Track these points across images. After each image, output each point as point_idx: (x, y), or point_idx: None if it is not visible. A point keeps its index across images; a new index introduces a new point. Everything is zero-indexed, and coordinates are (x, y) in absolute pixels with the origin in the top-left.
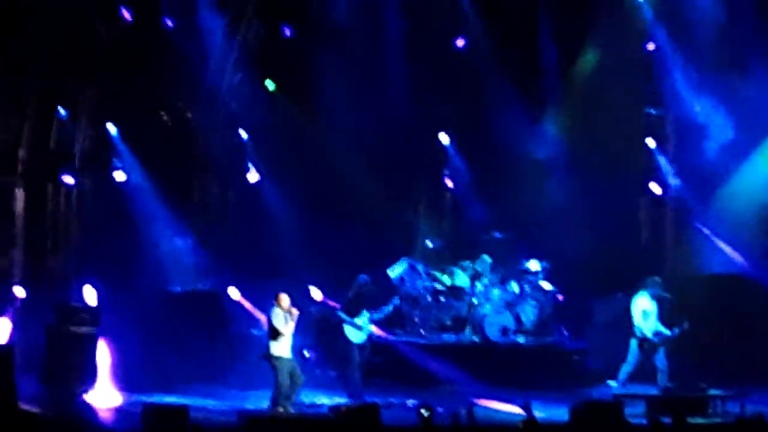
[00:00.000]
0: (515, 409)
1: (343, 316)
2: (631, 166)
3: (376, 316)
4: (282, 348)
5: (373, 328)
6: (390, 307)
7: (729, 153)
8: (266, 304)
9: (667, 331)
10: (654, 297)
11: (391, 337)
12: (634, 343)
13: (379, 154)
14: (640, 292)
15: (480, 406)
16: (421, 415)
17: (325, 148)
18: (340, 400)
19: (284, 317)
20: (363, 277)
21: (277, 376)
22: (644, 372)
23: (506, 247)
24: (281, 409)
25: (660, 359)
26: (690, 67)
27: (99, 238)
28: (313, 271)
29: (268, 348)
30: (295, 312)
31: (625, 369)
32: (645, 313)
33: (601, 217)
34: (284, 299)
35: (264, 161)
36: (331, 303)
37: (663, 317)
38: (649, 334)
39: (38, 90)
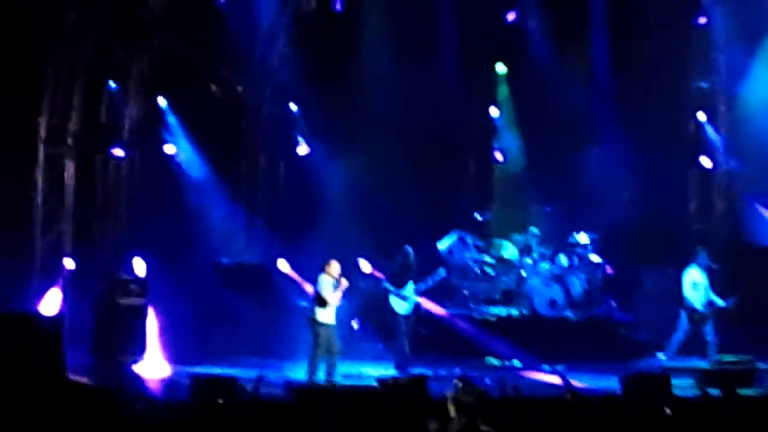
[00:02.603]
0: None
1: (389, 287)
2: (681, 140)
3: (422, 286)
4: (327, 315)
5: (419, 299)
6: (436, 278)
7: None
8: (314, 276)
9: (720, 302)
10: (703, 268)
11: (440, 309)
12: (683, 315)
13: (428, 126)
14: (691, 265)
15: (527, 378)
16: (456, 386)
17: (374, 121)
18: (387, 371)
19: (332, 285)
20: (407, 248)
21: (315, 342)
22: (693, 345)
23: (555, 219)
24: (308, 373)
25: (709, 332)
26: (741, 40)
27: (148, 211)
28: (362, 244)
29: (312, 313)
30: (345, 283)
31: (675, 340)
32: (694, 284)
33: (650, 190)
34: (334, 266)
35: (313, 134)
36: (379, 275)
37: (714, 288)
38: (698, 306)
39: (89, 63)
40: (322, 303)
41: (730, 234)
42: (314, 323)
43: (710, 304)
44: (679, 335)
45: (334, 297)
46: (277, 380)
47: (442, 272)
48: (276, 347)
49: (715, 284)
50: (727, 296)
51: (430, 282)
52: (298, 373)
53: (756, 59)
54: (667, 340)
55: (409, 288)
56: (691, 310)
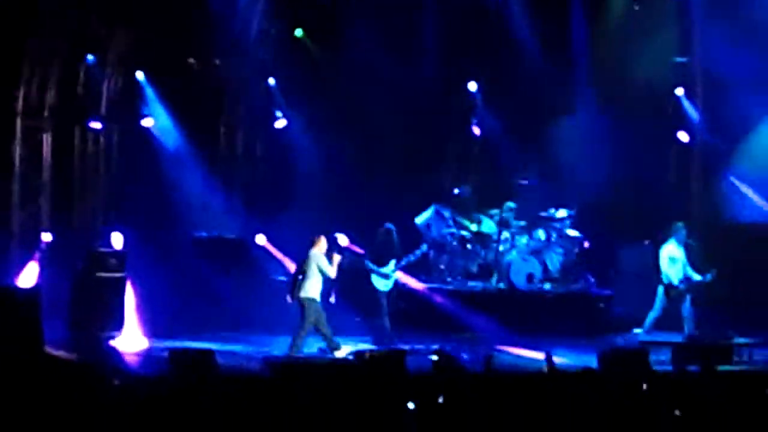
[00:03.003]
0: (539, 356)
1: (370, 265)
2: (660, 115)
3: (405, 261)
4: (315, 290)
5: (400, 275)
6: (417, 254)
7: (759, 102)
8: (291, 250)
9: (697, 276)
10: (681, 243)
11: (417, 283)
12: (660, 290)
13: (406, 101)
14: (669, 240)
15: (504, 353)
16: (433, 360)
17: (352, 97)
18: (364, 345)
19: (326, 259)
20: (388, 226)
21: (307, 318)
22: (671, 320)
23: (533, 194)
24: (295, 350)
25: (686, 307)
26: (720, 15)
27: (126, 184)
28: (340, 218)
29: (301, 289)
30: (337, 257)
31: (651, 316)
32: (672, 260)
33: (628, 165)
34: (323, 242)
35: (291, 109)
36: (357, 250)
37: (692, 264)
38: (675, 281)
39: (67, 36)
40: (318, 277)
41: (707, 209)
42: (306, 300)
43: (687, 279)
44: (655, 310)
45: (331, 269)
46: (255, 354)
47: (424, 248)
48: (254, 321)
49: (693, 260)
50: (704, 271)
51: (411, 258)
52: (276, 347)
53: (735, 34)
54: (645, 315)
55: (391, 265)
56: (668, 286)
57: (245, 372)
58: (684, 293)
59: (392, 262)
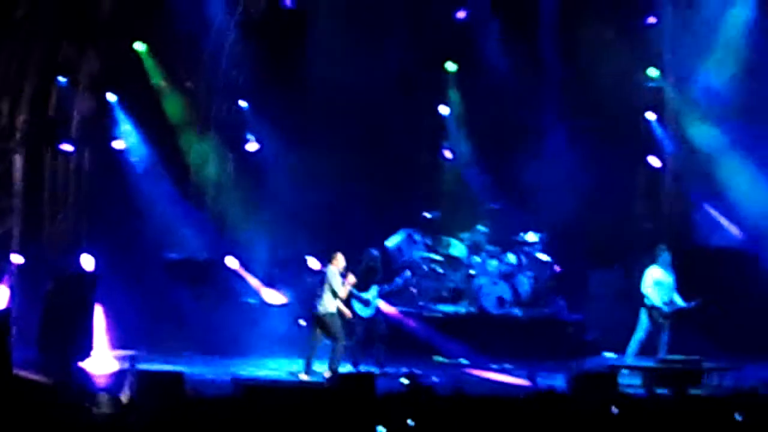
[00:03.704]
0: (511, 380)
1: (352, 290)
2: (630, 139)
3: (386, 289)
4: (334, 305)
5: (381, 303)
6: (400, 282)
7: (730, 127)
8: (262, 272)
9: (681, 302)
10: (666, 267)
11: (389, 307)
12: (643, 314)
13: (378, 124)
14: (654, 263)
15: (474, 376)
16: (402, 384)
17: (324, 119)
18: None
19: (341, 277)
20: (373, 252)
21: (333, 330)
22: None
23: (504, 218)
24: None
25: (665, 332)
26: (690, 40)
27: (97, 206)
28: (311, 241)
29: (320, 305)
30: (352, 279)
31: (635, 340)
32: (657, 283)
33: (599, 189)
34: (340, 259)
35: (263, 131)
36: None
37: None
38: (658, 303)
39: (38, 57)
40: (332, 294)
41: (678, 234)
42: (326, 315)
43: (671, 303)
44: (639, 335)
45: (343, 290)
46: (225, 376)
47: (407, 274)
48: (224, 343)
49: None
50: (689, 299)
51: (395, 284)
52: (246, 369)
53: (705, 58)
54: (614, 339)
55: (373, 291)
56: (651, 308)
57: (214, 394)
58: (667, 317)
59: (374, 288)
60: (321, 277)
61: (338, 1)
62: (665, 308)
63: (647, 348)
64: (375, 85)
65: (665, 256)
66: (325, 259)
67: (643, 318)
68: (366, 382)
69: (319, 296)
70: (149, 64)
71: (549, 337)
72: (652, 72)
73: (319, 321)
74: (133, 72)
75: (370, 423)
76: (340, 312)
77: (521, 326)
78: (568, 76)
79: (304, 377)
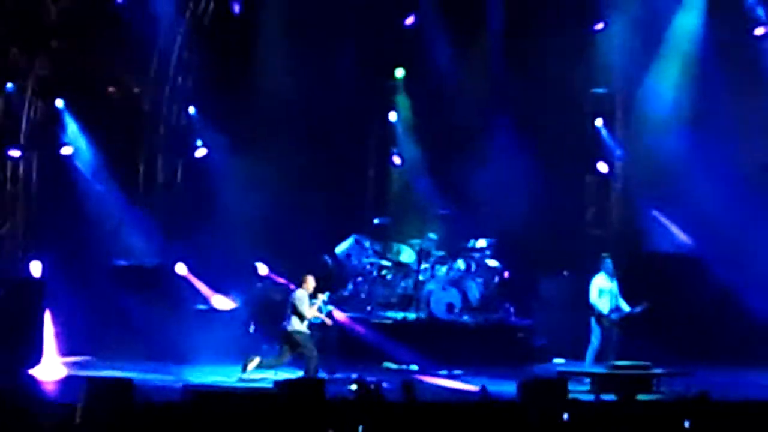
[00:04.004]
0: (460, 386)
1: None
2: (579, 145)
3: (336, 296)
4: (303, 325)
5: (331, 308)
6: (350, 288)
7: (677, 133)
8: (212, 279)
9: (626, 308)
10: (609, 275)
11: (338, 313)
12: (593, 322)
13: (328, 131)
14: (599, 272)
15: (423, 382)
16: (351, 390)
17: (273, 125)
18: (285, 374)
19: (308, 300)
20: (326, 258)
21: (304, 348)
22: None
23: (453, 224)
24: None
25: (613, 338)
26: (638, 46)
27: (45, 212)
28: (260, 247)
29: (290, 324)
30: (321, 296)
31: (591, 349)
32: (601, 291)
33: (548, 195)
34: (310, 282)
35: (212, 137)
36: (278, 279)
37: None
38: (605, 311)
39: None
40: (299, 316)
41: (626, 240)
42: (294, 333)
43: (618, 309)
44: (594, 344)
45: (310, 312)
46: (175, 383)
47: (359, 281)
48: (173, 350)
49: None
50: (635, 304)
51: (344, 292)
52: (195, 375)
53: (653, 65)
54: (564, 345)
55: (324, 297)
56: (599, 316)
57: (164, 400)
58: (615, 324)
59: (326, 294)
60: (289, 298)
61: (286, 8)
62: (612, 316)
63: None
64: (324, 91)
65: (607, 263)
66: (276, 266)
67: (595, 327)
68: (316, 388)
69: (288, 316)
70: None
71: (498, 343)
72: (601, 78)
73: (287, 338)
74: (82, 78)
75: (319, 429)
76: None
77: (470, 332)
78: (516, 83)
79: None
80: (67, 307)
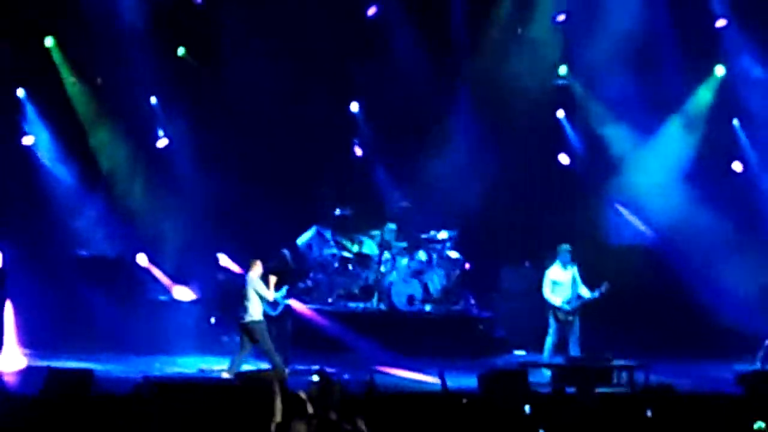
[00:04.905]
0: (421, 377)
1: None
2: (541, 137)
3: (296, 289)
4: (258, 312)
5: (291, 301)
6: (311, 279)
7: (639, 125)
8: (173, 269)
9: (588, 294)
10: (565, 265)
11: (299, 304)
12: (550, 315)
13: (289, 120)
14: (553, 263)
15: (385, 374)
16: (313, 381)
17: (234, 116)
18: (245, 365)
19: (263, 283)
20: (285, 252)
21: (261, 338)
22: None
23: (414, 215)
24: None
25: (573, 329)
26: (599, 38)
27: (6, 202)
28: (221, 237)
29: (248, 315)
30: (273, 280)
31: (548, 342)
32: (555, 283)
33: (509, 186)
34: (258, 266)
35: (174, 127)
36: (237, 269)
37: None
38: (558, 304)
39: None
40: (260, 299)
41: (587, 232)
42: (253, 323)
43: (574, 300)
44: (551, 338)
45: (269, 293)
46: (135, 373)
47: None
48: (134, 341)
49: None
50: (594, 288)
51: (303, 284)
52: (156, 366)
53: (615, 56)
54: (525, 336)
55: (282, 291)
56: (554, 309)
57: (124, 391)
58: (571, 315)
59: (284, 289)
60: (242, 285)
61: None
62: (566, 307)
63: (561, 347)
64: (285, 81)
65: (564, 253)
66: (237, 257)
67: (551, 320)
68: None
69: (244, 306)
70: (58, 59)
71: (459, 335)
72: (562, 70)
73: (245, 329)
74: (43, 68)
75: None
76: (262, 320)
77: (432, 323)
78: (478, 74)
79: (226, 375)
80: (28, 297)
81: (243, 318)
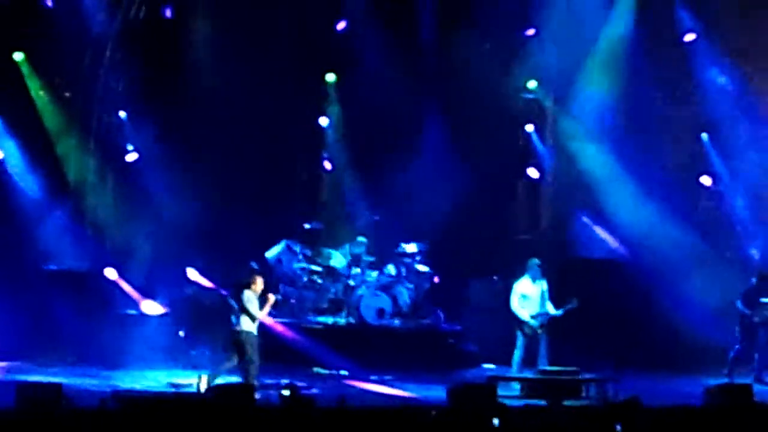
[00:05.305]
0: (391, 391)
1: (231, 302)
2: (509, 151)
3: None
4: (253, 326)
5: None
6: (280, 293)
7: (606, 140)
8: (142, 284)
9: (554, 311)
10: (535, 279)
11: (268, 318)
12: (517, 328)
13: (258, 135)
14: (522, 276)
15: (356, 388)
16: (282, 396)
17: (204, 129)
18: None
19: (257, 301)
20: (253, 265)
21: (247, 352)
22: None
23: (383, 229)
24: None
25: (542, 343)
26: (570, 52)
27: None
28: (190, 251)
29: (239, 325)
30: (272, 298)
31: (516, 355)
32: (523, 297)
33: (478, 200)
34: (259, 283)
35: (143, 141)
36: (207, 284)
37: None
38: (525, 318)
39: None
40: (250, 317)
41: (556, 245)
42: (241, 333)
43: (541, 315)
44: (518, 352)
45: (261, 313)
46: (104, 388)
47: (288, 289)
48: (103, 355)
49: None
50: (562, 305)
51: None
52: (125, 380)
53: (583, 71)
54: (494, 351)
55: (272, 300)
56: (521, 324)
57: (93, 406)
58: (538, 329)
59: (276, 296)
60: (238, 300)
61: (218, 12)
62: (533, 322)
63: (530, 361)
64: (255, 96)
65: (533, 268)
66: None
67: (519, 334)
68: (245, 393)
69: (237, 317)
70: (27, 73)
71: (428, 348)
72: (531, 84)
73: (237, 340)
74: (11, 81)
75: None
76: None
77: (401, 337)
78: (447, 88)
79: (203, 385)
80: None
81: (235, 327)
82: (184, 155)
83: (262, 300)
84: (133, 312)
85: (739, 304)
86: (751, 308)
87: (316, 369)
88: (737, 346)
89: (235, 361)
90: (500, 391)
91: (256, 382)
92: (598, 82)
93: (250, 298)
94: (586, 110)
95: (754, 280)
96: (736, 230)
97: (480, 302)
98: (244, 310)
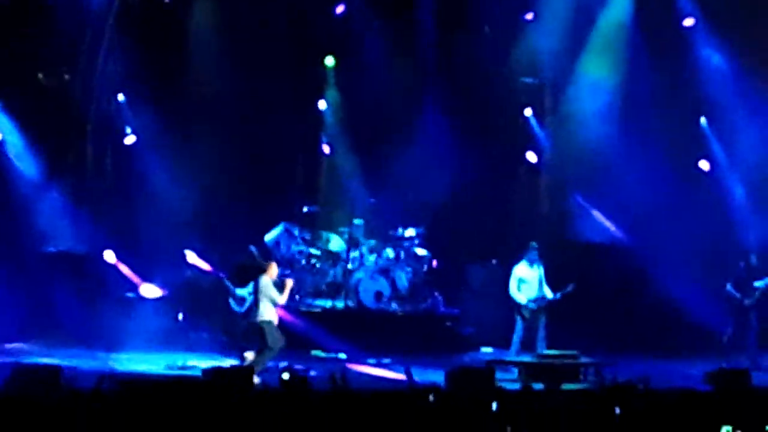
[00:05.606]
0: (389, 374)
1: (228, 285)
2: (508, 135)
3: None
4: (271, 313)
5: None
6: (279, 275)
7: (605, 122)
8: (141, 267)
9: (550, 295)
10: (532, 263)
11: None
12: (516, 312)
13: (257, 118)
14: (520, 261)
15: (354, 371)
16: (282, 379)
17: (202, 112)
18: (213, 362)
19: (275, 286)
20: (251, 248)
21: (267, 339)
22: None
23: (382, 212)
24: (260, 368)
25: (540, 327)
26: (568, 36)
27: None
28: (189, 234)
29: (259, 315)
30: (290, 282)
31: (514, 339)
32: (521, 280)
33: (477, 184)
34: (273, 268)
35: (141, 124)
36: (205, 266)
37: (548, 281)
38: (523, 301)
39: None
40: (270, 303)
41: (554, 229)
42: (264, 323)
43: (539, 299)
44: (516, 333)
45: (281, 297)
46: (103, 370)
47: (287, 272)
48: (101, 337)
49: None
50: (559, 289)
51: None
52: (124, 363)
53: (582, 56)
54: (491, 334)
55: (249, 288)
56: (520, 307)
57: (92, 388)
58: (537, 312)
59: (251, 285)
60: (254, 287)
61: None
62: (532, 305)
63: (528, 345)
64: (253, 79)
65: (532, 252)
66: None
67: (517, 318)
68: (243, 376)
69: (255, 306)
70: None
71: (426, 332)
72: (530, 68)
73: (255, 329)
74: (11, 65)
75: (247, 417)
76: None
77: (399, 321)
78: (446, 72)
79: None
80: None
81: (256, 318)
82: (182, 138)
83: (278, 285)
84: (131, 295)
85: (729, 287)
86: (742, 292)
87: (314, 352)
88: (729, 329)
89: (251, 351)
90: (498, 375)
91: (261, 367)
92: (597, 66)
93: (267, 284)
94: (585, 94)
95: (742, 264)
96: (733, 214)
97: (478, 286)
98: (264, 297)
